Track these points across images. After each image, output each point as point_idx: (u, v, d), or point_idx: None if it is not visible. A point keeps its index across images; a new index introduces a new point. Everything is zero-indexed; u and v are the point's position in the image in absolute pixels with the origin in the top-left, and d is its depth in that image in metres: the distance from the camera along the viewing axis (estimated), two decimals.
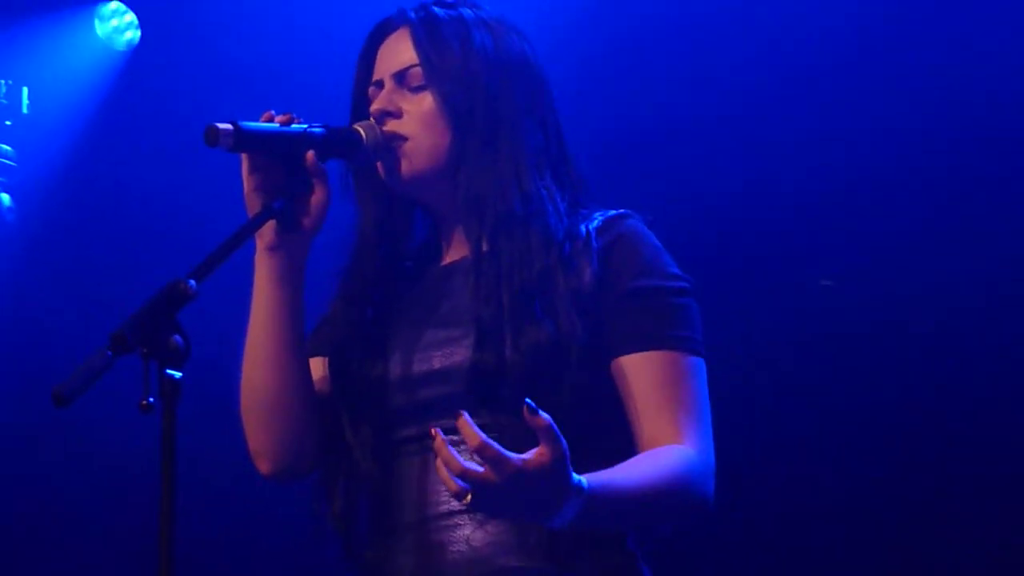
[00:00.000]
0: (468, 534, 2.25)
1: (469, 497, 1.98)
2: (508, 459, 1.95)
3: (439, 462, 1.97)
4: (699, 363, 2.28)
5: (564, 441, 1.97)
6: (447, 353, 2.29)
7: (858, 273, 4.47)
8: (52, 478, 4.85)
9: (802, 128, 4.42)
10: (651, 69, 4.47)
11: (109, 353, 1.89)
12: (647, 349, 2.26)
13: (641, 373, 2.25)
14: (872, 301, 4.45)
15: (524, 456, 1.96)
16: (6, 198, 4.75)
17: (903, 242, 4.42)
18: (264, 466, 2.39)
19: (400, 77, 2.38)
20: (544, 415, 1.95)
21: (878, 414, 4.45)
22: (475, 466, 1.97)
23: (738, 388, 4.23)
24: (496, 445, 1.95)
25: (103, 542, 4.82)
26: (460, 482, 1.97)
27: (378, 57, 2.42)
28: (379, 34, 2.44)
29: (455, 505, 2.24)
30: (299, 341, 2.36)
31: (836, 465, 4.46)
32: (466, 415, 1.98)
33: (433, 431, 1.99)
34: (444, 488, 2.15)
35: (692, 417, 2.24)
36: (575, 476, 2.02)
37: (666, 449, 2.21)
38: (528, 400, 1.96)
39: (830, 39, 4.37)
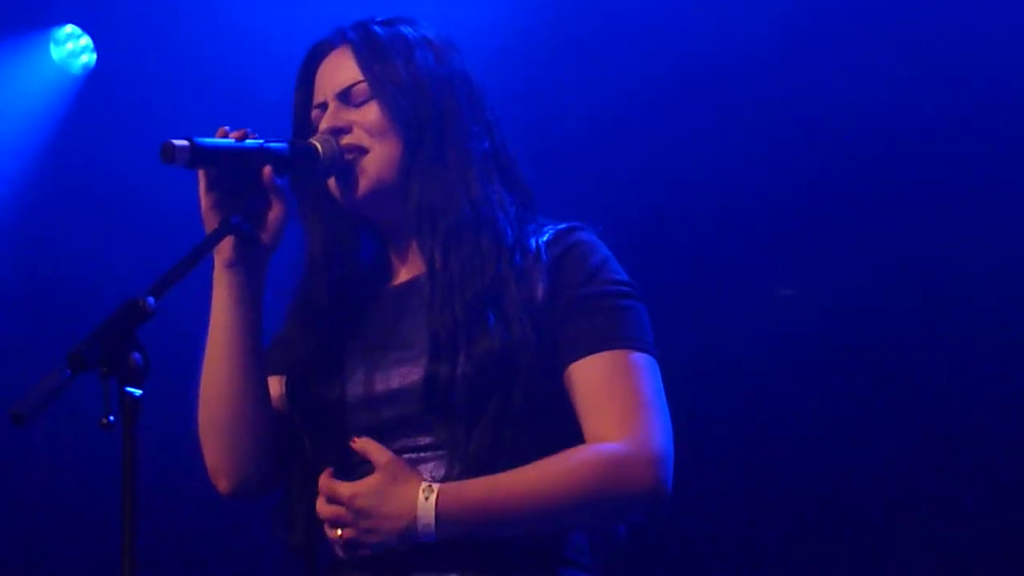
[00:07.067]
0: (427, 556, 2.22)
1: (339, 533, 2.19)
2: (338, 487, 2.18)
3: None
4: (646, 359, 2.29)
5: (388, 451, 2.18)
6: (404, 373, 2.30)
7: (817, 278, 4.49)
8: (12, 493, 4.82)
9: (752, 131, 4.43)
10: (598, 73, 4.47)
11: (68, 372, 1.88)
12: (592, 352, 2.28)
13: (587, 375, 2.27)
14: (831, 306, 4.47)
15: (354, 482, 2.18)
16: None
17: (863, 244, 4.44)
18: (222, 484, 2.38)
19: (344, 95, 2.40)
20: (358, 440, 2.21)
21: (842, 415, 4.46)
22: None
23: (697, 390, 4.24)
24: (327, 480, 2.21)
25: (65, 559, 4.78)
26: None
27: (318, 79, 2.44)
28: (317, 55, 2.46)
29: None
30: (257, 356, 2.36)
31: (807, 465, 4.47)
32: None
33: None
34: None
35: (634, 409, 2.24)
36: (424, 481, 2.16)
37: (582, 447, 2.23)
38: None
39: (787, 38, 4.38)
